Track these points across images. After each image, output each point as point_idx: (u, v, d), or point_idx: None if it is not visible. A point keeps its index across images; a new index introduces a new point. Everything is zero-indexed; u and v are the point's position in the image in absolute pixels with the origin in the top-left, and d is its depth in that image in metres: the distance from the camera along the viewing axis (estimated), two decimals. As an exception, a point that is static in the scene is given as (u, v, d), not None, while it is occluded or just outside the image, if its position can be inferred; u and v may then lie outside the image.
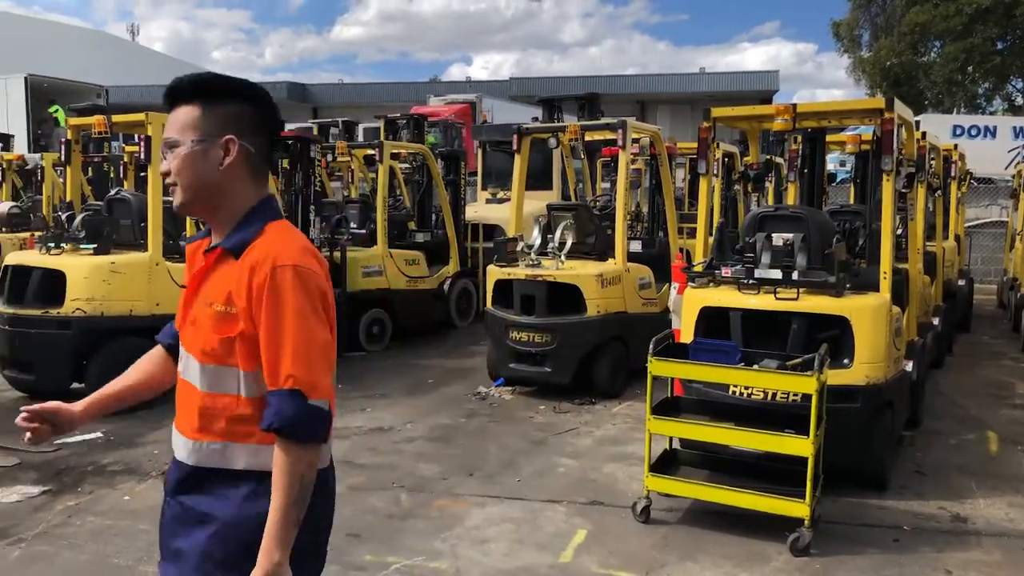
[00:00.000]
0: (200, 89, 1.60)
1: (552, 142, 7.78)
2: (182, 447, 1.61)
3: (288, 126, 15.52)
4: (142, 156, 6.70)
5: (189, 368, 1.61)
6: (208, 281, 1.60)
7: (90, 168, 9.03)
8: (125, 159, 9.87)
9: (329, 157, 10.09)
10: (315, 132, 12.19)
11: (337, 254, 8.05)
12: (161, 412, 5.86)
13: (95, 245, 6.24)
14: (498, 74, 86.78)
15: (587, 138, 8.74)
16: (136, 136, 8.98)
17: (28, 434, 1.75)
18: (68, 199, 7.16)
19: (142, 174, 9.68)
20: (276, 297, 1.50)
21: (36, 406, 1.74)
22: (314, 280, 1.54)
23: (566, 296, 6.29)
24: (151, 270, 6.17)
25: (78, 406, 1.80)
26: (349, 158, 10.70)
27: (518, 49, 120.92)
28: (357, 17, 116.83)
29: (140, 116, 6.63)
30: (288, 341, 1.49)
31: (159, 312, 6.15)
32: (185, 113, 1.59)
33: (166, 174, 1.62)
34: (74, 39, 37.08)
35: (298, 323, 1.50)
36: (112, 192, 7.74)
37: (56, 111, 20.40)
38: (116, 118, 7.00)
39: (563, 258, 6.52)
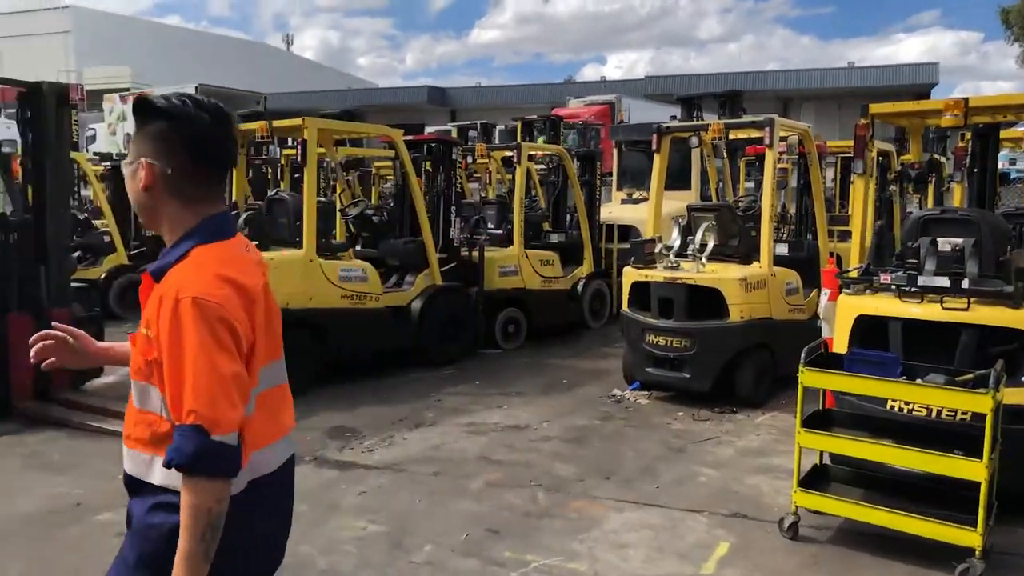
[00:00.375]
0: (136, 112, 1.63)
1: (693, 141, 7.58)
2: (124, 453, 1.65)
3: (428, 129, 16.05)
4: (299, 158, 7.13)
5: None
6: (146, 302, 1.61)
7: (250, 170, 9.70)
8: (282, 162, 10.59)
9: (469, 159, 10.36)
10: (455, 135, 12.56)
11: (475, 254, 8.26)
12: (307, 401, 6.23)
13: (256, 242, 6.70)
14: (632, 73, 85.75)
15: (730, 136, 8.47)
16: (290, 140, 9.61)
17: (35, 352, 1.82)
18: (233, 199, 7.73)
19: (296, 175, 10.39)
20: (177, 330, 1.48)
21: (67, 327, 1.85)
22: (215, 312, 1.48)
23: (707, 300, 6.12)
24: (306, 266, 6.54)
25: (98, 345, 1.90)
26: (487, 160, 10.93)
27: (653, 47, 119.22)
28: (493, 20, 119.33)
29: (297, 121, 7.06)
30: (189, 376, 1.46)
31: (312, 306, 6.53)
32: (135, 135, 1.65)
33: None
34: (237, 50, 40.03)
35: (198, 357, 1.46)
36: (271, 192, 8.30)
37: None
38: (276, 123, 7.46)
39: (704, 260, 6.35)
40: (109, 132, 24.00)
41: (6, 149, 7.04)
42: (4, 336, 5.70)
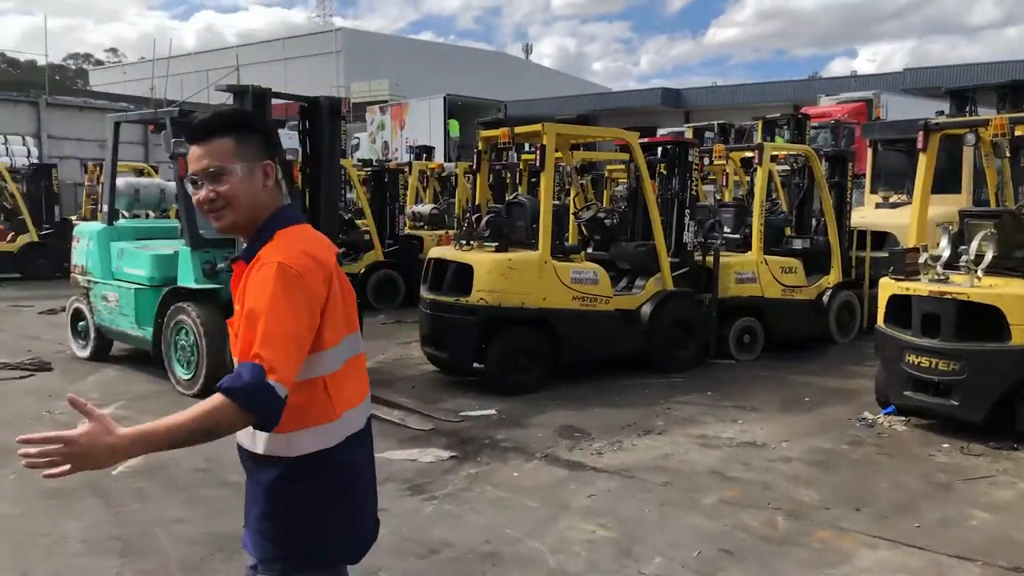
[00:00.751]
0: (233, 124, 1.82)
1: (970, 139, 6.70)
2: None
3: (660, 131, 15.78)
4: (538, 163, 7.33)
5: None
6: (237, 287, 1.80)
7: (491, 174, 10.16)
8: (520, 166, 11.00)
9: (705, 161, 10.04)
10: (690, 136, 12.26)
11: (709, 259, 7.98)
12: (539, 399, 6.39)
13: (496, 243, 7.01)
14: (888, 66, 78.33)
15: (1015, 133, 7.37)
16: (527, 145, 9.94)
17: None
18: (476, 202, 8.14)
19: (533, 179, 10.73)
20: (261, 287, 1.67)
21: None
22: (295, 277, 1.68)
23: (982, 319, 5.37)
24: (541, 267, 6.72)
25: None
26: (725, 161, 10.52)
27: (913, 37, 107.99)
28: (732, 18, 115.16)
29: (537, 127, 7.27)
30: (262, 325, 1.62)
31: (546, 306, 6.69)
32: (223, 145, 1.78)
33: (208, 200, 1.79)
34: (480, 61, 42.43)
35: (272, 312, 1.63)
36: (511, 196, 8.64)
37: (450, 123, 23.72)
38: (517, 129, 7.75)
39: (980, 273, 5.57)
40: (370, 140, 26.50)
41: (289, 157, 8.00)
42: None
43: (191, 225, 6.60)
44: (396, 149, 24.43)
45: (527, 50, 53.85)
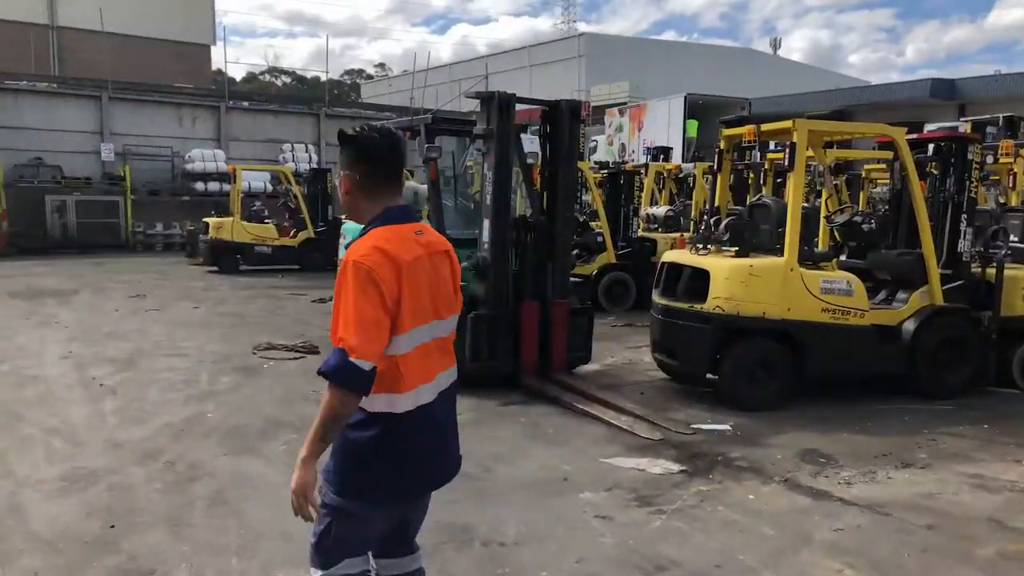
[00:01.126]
0: (339, 142, 2.27)
1: None
2: None
3: (928, 127, 14.11)
4: (786, 163, 6.84)
5: None
6: None
7: (732, 175, 9.68)
8: (766, 166, 10.38)
9: (988, 159, 8.77)
10: (969, 131, 10.78)
11: (990, 271, 6.93)
12: (779, 417, 5.96)
13: (736, 248, 6.63)
14: None
15: None
16: (773, 144, 9.31)
17: None
18: (715, 204, 7.79)
19: (779, 180, 10.07)
20: (341, 283, 2.06)
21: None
22: (366, 271, 2.04)
23: None
24: (785, 275, 6.24)
25: None
26: (1013, 160, 9.13)
27: None
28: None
29: (787, 124, 6.77)
30: (342, 314, 2.03)
31: (790, 317, 6.21)
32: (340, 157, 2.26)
33: None
34: (724, 58, 40.98)
35: (349, 302, 2.02)
36: (754, 198, 8.17)
37: (688, 123, 23.02)
38: (764, 127, 7.28)
39: None
40: (607, 143, 26.66)
41: (529, 160, 8.23)
42: (519, 320, 6.67)
43: (439, 226, 7.01)
44: (633, 151, 24.31)
45: (775, 45, 50.82)
